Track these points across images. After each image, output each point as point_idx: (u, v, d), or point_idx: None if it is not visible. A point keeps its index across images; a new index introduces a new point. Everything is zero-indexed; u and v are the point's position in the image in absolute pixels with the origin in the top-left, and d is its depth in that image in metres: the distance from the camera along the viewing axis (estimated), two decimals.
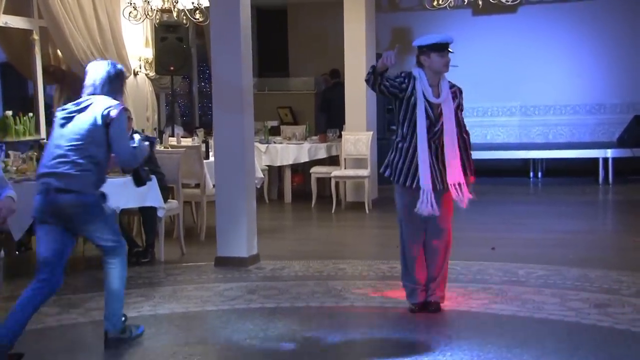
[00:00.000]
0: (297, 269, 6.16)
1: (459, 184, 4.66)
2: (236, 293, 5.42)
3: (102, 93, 4.24)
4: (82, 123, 4.13)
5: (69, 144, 4.10)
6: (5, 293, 5.01)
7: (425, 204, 4.60)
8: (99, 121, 4.10)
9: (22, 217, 5.66)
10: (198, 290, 5.51)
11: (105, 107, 4.14)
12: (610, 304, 4.89)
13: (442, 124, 4.64)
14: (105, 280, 4.30)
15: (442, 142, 4.67)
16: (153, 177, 6.34)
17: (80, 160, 4.09)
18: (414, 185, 4.67)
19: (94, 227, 4.20)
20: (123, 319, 4.32)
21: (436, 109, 4.67)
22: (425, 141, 4.64)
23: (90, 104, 4.18)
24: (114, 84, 4.30)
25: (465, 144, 4.75)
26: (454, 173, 4.65)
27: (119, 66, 4.38)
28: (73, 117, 4.17)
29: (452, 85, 4.75)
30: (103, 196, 4.23)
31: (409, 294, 4.87)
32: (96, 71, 4.30)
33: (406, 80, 4.67)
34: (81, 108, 4.18)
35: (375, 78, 4.56)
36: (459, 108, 4.75)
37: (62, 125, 4.17)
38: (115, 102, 4.22)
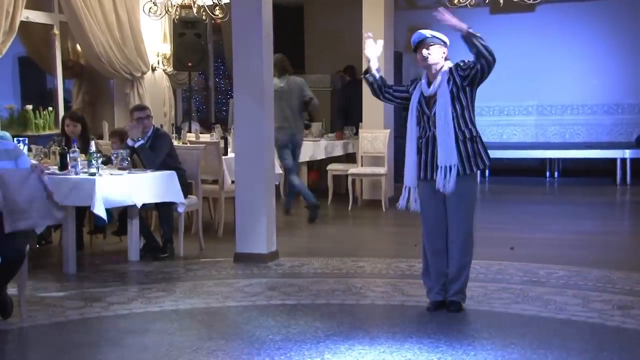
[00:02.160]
0: (316, 266, 6.16)
1: (449, 167, 4.63)
2: (256, 289, 5.43)
3: None
4: None
5: None
6: (28, 286, 5.02)
7: (401, 199, 4.83)
8: None
9: None
10: (218, 286, 5.52)
11: None
12: (633, 306, 4.86)
13: (434, 112, 4.66)
14: None
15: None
16: (174, 172, 6.37)
17: None
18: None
19: None
20: None
21: (432, 101, 4.72)
22: (414, 139, 4.78)
23: None
24: None
25: (467, 122, 4.69)
26: (444, 155, 4.63)
27: None
28: None
29: (451, 69, 4.71)
30: None
31: (427, 292, 4.89)
32: None
33: (412, 84, 4.89)
34: None
35: (373, 88, 4.91)
36: (464, 85, 4.64)
37: None
38: None
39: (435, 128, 4.68)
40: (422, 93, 4.77)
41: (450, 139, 4.63)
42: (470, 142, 4.69)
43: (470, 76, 4.63)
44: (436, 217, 4.76)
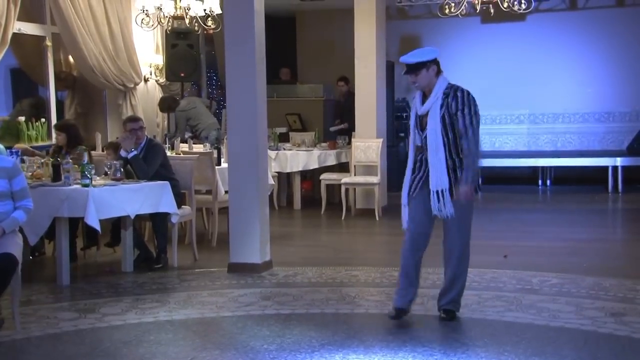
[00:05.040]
0: (310, 275, 6.17)
1: (441, 191, 4.64)
2: (251, 299, 5.43)
3: None
4: None
5: None
6: (22, 298, 5.01)
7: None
8: None
9: (37, 223, 5.71)
10: (213, 296, 5.52)
11: None
12: (626, 313, 4.88)
13: (426, 134, 4.67)
14: None
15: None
16: (167, 183, 6.38)
17: None
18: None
19: None
20: None
21: (424, 121, 4.70)
22: (412, 158, 4.79)
23: None
24: None
25: (459, 150, 4.65)
26: (435, 179, 4.64)
27: None
28: None
29: (447, 89, 4.66)
30: None
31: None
32: None
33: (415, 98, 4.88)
34: None
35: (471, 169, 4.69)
36: (457, 113, 4.60)
37: None
38: None
39: (427, 151, 4.67)
40: (416, 112, 4.76)
41: (442, 166, 4.62)
42: (460, 170, 4.65)
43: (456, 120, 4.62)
44: (422, 227, 4.78)
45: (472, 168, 4.61)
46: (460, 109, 4.61)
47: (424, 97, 4.74)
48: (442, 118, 4.61)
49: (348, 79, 11.30)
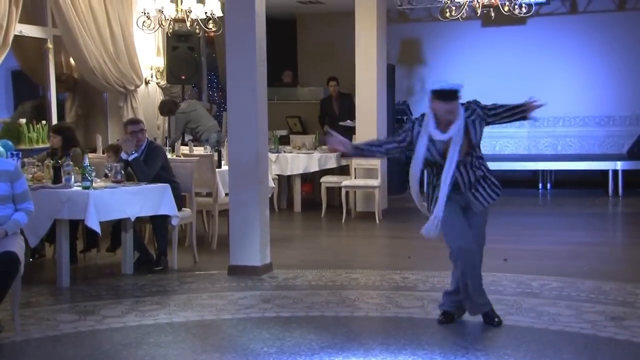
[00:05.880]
0: (310, 278, 6.17)
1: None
2: (251, 302, 5.43)
3: None
4: None
5: None
6: (22, 300, 5.01)
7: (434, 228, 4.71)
8: None
9: (38, 225, 5.72)
10: (213, 299, 5.52)
11: None
12: (626, 317, 4.88)
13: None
14: None
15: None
16: (168, 185, 6.38)
17: None
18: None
19: None
20: None
21: (444, 145, 4.62)
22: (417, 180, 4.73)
23: None
24: None
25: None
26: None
27: None
28: None
29: (468, 110, 4.61)
30: None
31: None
32: None
33: (413, 127, 4.70)
34: None
35: (366, 154, 4.89)
36: (481, 134, 4.62)
37: None
38: None
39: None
40: (431, 137, 4.61)
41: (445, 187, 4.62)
42: (484, 179, 4.76)
43: (494, 121, 4.65)
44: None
45: None
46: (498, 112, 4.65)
47: (439, 124, 4.60)
48: (468, 138, 4.59)
49: (337, 79, 11.29)
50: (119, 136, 8.09)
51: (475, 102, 4.70)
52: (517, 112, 4.68)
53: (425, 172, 4.80)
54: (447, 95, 4.53)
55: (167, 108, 9.87)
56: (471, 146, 4.63)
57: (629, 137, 12.01)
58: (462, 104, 4.63)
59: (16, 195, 4.67)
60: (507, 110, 4.69)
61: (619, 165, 11.19)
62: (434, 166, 4.70)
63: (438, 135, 4.61)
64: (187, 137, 10.04)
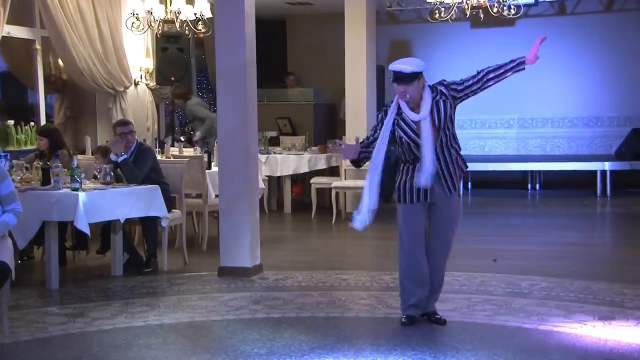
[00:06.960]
0: (300, 279, 6.17)
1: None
2: (241, 303, 5.43)
3: None
4: None
5: None
6: (11, 302, 4.98)
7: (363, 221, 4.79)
8: None
9: (27, 227, 5.69)
10: (203, 300, 5.51)
11: None
12: (614, 317, 4.91)
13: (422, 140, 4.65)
14: None
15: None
16: (157, 186, 6.37)
17: None
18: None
19: None
20: None
21: (418, 126, 4.66)
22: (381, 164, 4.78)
23: None
24: None
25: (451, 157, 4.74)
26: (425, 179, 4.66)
27: None
28: None
29: (433, 94, 4.66)
30: None
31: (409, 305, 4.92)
32: None
33: (381, 116, 4.78)
34: None
35: (369, 156, 4.84)
36: (447, 114, 4.65)
37: None
38: None
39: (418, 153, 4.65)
40: (402, 116, 4.67)
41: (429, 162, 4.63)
42: (452, 163, 4.73)
43: (467, 93, 4.70)
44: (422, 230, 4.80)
45: None
46: (467, 84, 4.74)
47: (412, 106, 4.66)
48: (439, 121, 4.63)
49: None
50: (108, 137, 8.06)
51: (440, 82, 4.75)
52: (508, 69, 4.72)
53: (401, 167, 4.82)
54: (398, 77, 4.61)
55: (184, 93, 10.39)
56: (439, 126, 4.63)
57: (617, 138, 12.07)
58: (429, 86, 4.69)
59: (3, 197, 4.64)
60: (487, 74, 4.79)
61: (607, 165, 11.26)
62: (411, 146, 4.67)
63: (412, 116, 4.66)
64: (182, 137, 10.07)
